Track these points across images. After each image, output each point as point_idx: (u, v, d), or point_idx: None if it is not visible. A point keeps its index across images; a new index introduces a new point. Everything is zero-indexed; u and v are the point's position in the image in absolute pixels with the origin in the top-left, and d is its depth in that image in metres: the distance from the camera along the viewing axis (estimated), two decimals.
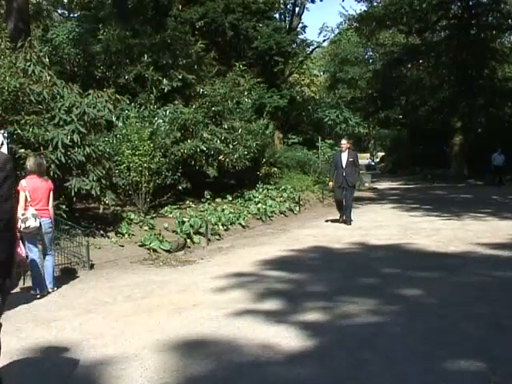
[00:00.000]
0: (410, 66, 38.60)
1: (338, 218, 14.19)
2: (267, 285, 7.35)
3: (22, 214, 6.92)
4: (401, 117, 42.59)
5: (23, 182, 7.14)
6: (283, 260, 9.10)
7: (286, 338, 5.11)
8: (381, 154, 64.10)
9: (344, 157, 13.67)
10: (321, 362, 4.58)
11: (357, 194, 25.40)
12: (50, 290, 7.20)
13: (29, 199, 7.04)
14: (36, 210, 7.01)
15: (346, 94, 46.77)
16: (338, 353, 4.77)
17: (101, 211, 10.71)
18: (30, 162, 7.30)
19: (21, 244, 7.02)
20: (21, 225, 6.87)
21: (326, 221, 14.53)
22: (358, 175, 15.18)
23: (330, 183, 14.48)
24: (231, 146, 15.33)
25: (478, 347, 4.82)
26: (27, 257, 7.08)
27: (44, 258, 7.25)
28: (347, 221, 13.58)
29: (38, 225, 6.97)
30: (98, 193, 9.79)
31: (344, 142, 13.96)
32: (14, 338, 5.32)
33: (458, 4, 35.16)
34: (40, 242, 7.22)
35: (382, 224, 13.55)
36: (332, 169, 14.24)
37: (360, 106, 41.79)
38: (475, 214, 15.35)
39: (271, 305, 6.30)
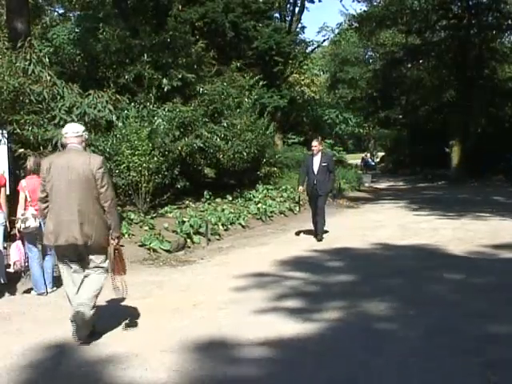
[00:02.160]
0: (410, 65, 38.56)
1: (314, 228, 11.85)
2: (268, 285, 7.34)
3: (22, 214, 6.92)
4: (401, 117, 42.55)
5: (23, 182, 7.15)
6: (284, 260, 9.09)
7: (287, 339, 5.12)
8: (381, 153, 64.03)
9: (316, 161, 11.46)
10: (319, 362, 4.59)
11: (357, 194, 25.55)
12: (50, 290, 7.20)
13: (29, 199, 7.03)
14: (36, 210, 7.00)
15: (346, 94, 46.74)
16: (345, 352, 4.78)
17: None
18: (30, 162, 7.30)
19: (21, 244, 7.03)
20: (20, 225, 6.89)
21: (297, 233, 12.31)
22: (334, 183, 12.52)
23: (300, 188, 11.97)
24: (230, 143, 15.32)
25: (477, 347, 4.83)
26: (27, 257, 7.09)
27: (44, 258, 7.24)
28: (318, 235, 11.34)
29: (38, 225, 6.95)
30: None
31: (315, 143, 11.69)
32: (15, 338, 5.32)
33: (458, 4, 35.13)
34: (40, 242, 7.20)
35: (382, 224, 13.56)
36: (302, 174, 11.87)
37: (360, 105, 41.81)
38: (475, 213, 15.35)
39: (273, 305, 6.30)
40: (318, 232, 11.39)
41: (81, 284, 5.21)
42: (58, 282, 7.49)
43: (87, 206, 5.14)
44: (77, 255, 5.22)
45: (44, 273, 7.17)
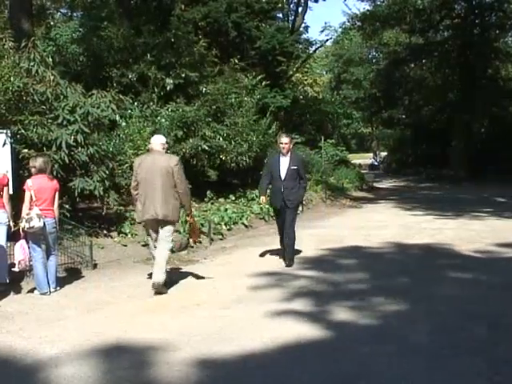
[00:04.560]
0: (413, 65, 38.57)
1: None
2: (272, 285, 7.36)
3: (27, 214, 6.93)
4: (404, 116, 42.56)
5: (29, 182, 7.15)
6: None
7: (289, 339, 5.13)
8: (384, 153, 64.02)
9: (284, 163, 8.95)
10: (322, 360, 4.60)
11: (359, 193, 25.52)
12: (53, 290, 7.20)
13: (34, 199, 7.04)
14: (40, 209, 7.01)
15: (350, 95, 46.77)
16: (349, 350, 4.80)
17: (104, 211, 10.74)
18: (38, 162, 7.28)
19: (25, 244, 7.04)
20: (25, 224, 6.89)
21: (262, 255, 9.80)
22: (304, 191, 9.77)
23: (262, 199, 9.43)
24: (233, 143, 15.30)
25: (481, 347, 4.83)
26: (31, 256, 7.09)
27: (48, 258, 7.26)
28: (287, 259, 8.82)
29: (42, 225, 6.97)
30: (102, 193, 9.79)
31: (285, 140, 9.04)
32: (18, 337, 5.34)
33: (462, 4, 35.11)
34: (44, 242, 7.22)
35: (385, 224, 13.56)
36: (265, 179, 9.27)
37: (363, 105, 41.83)
38: (478, 213, 15.36)
39: (278, 305, 6.30)
40: (287, 256, 8.88)
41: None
42: (61, 281, 7.53)
43: (166, 192, 7.04)
44: (157, 227, 7.17)
45: (48, 273, 7.19)
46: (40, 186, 7.14)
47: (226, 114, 16.08)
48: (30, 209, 6.99)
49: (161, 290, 7.01)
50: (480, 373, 4.28)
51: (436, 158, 36.48)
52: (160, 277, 6.99)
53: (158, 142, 7.40)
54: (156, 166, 7.11)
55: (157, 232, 7.22)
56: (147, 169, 7.13)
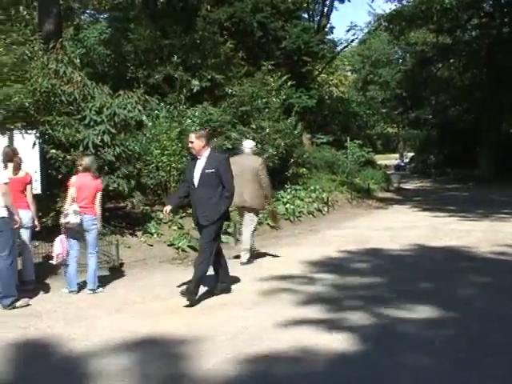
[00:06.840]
0: (440, 65, 38.18)
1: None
2: (297, 287, 7.32)
3: (66, 210, 7.14)
4: (431, 117, 42.14)
5: (73, 179, 7.43)
6: (313, 261, 9.03)
7: (312, 342, 5.11)
8: (410, 154, 63.50)
9: (198, 166, 6.95)
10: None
11: (385, 195, 25.36)
12: (90, 292, 7.21)
13: (74, 195, 7.22)
14: (80, 206, 7.19)
15: (377, 96, 46.47)
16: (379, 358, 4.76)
17: (129, 209, 10.81)
18: (84, 160, 7.51)
19: (64, 239, 7.19)
20: (62, 219, 7.10)
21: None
22: (229, 203, 7.12)
23: (166, 209, 7.23)
24: (260, 146, 15.30)
25: (502, 353, 4.76)
26: (68, 252, 7.23)
27: (87, 258, 7.37)
28: (187, 290, 6.57)
29: (79, 221, 7.13)
30: (126, 189, 9.85)
31: (190, 137, 7.12)
32: (46, 335, 5.40)
33: (490, 2, 34.65)
34: (81, 240, 7.37)
35: (412, 225, 13.45)
36: (181, 186, 7.66)
37: (389, 106, 41.54)
38: (505, 215, 15.14)
39: (301, 308, 6.29)
40: (188, 285, 6.70)
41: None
42: (104, 280, 7.50)
43: (252, 185, 9.09)
44: (246, 212, 9.31)
45: (87, 273, 7.31)
46: (82, 184, 7.32)
47: (253, 117, 16.08)
48: (70, 205, 7.16)
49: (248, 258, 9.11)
50: (499, 375, 4.22)
51: (463, 159, 36.02)
52: (247, 247, 9.16)
53: (248, 146, 9.61)
54: (245, 165, 9.07)
55: (246, 214, 9.31)
56: (239, 167, 8.63)
